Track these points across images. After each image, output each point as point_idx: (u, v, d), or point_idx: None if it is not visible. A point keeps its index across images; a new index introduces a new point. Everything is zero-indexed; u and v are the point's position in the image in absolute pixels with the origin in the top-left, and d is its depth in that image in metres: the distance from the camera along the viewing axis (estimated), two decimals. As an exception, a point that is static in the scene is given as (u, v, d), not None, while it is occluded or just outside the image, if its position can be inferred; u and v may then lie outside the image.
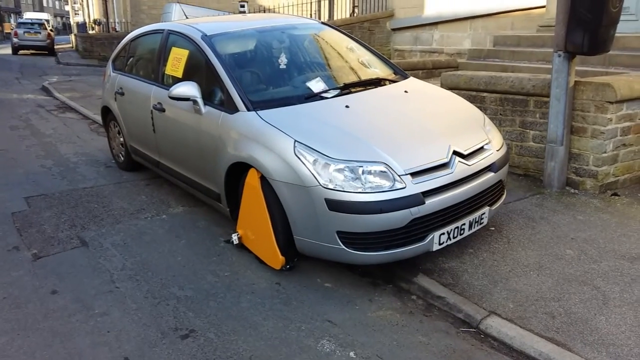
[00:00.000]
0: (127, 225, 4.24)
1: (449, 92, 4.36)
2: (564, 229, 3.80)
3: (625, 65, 6.15)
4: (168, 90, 4.06)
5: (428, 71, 8.18)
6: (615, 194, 4.42)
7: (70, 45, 29.53)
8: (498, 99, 5.01)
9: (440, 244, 3.17)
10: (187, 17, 5.67)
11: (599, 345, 2.57)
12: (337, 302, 3.10)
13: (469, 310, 2.89)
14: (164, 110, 4.38)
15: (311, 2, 18.53)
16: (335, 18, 17.20)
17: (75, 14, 43.37)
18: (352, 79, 4.25)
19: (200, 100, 3.83)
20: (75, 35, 27.99)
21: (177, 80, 4.20)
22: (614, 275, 3.18)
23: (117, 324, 2.91)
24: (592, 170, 4.44)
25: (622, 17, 4.22)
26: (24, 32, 25.88)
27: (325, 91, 3.82)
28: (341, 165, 3.05)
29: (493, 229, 3.80)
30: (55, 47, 26.82)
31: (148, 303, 3.11)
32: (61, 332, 2.85)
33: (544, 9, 8.10)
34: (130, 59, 5.42)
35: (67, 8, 60.97)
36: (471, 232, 3.37)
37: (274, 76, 4.16)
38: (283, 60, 4.20)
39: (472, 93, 5.16)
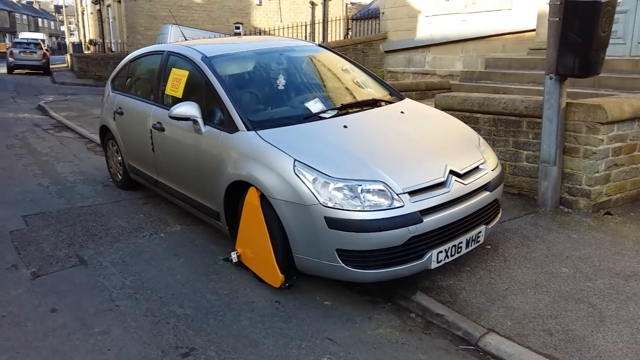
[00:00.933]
0: (125, 244, 4.25)
1: (444, 113, 4.45)
2: (559, 247, 3.86)
3: (615, 87, 6.30)
4: (168, 110, 4.13)
5: (421, 92, 8.31)
6: (608, 213, 4.50)
7: (66, 65, 29.68)
8: (491, 120, 5.11)
9: (438, 262, 3.21)
10: (186, 39, 5.75)
11: (596, 361, 2.60)
12: (337, 320, 3.12)
13: (467, 328, 2.92)
14: (163, 130, 4.44)
15: (305, 25, 18.84)
16: (329, 40, 17.47)
17: (71, 34, 43.67)
18: (350, 99, 4.33)
19: (200, 120, 3.89)
20: (70, 55, 28.17)
21: (177, 101, 4.26)
22: (609, 293, 3.23)
23: (118, 342, 2.92)
24: (585, 189, 4.52)
25: (611, 41, 4.35)
26: (20, 52, 26.00)
27: (324, 111, 3.89)
28: (340, 184, 3.10)
29: (489, 247, 3.85)
30: (51, 66, 26.95)
31: (148, 321, 3.12)
32: (61, 351, 2.84)
33: (535, 32, 8.30)
34: (130, 79, 5.49)
35: (63, 28, 61.39)
36: (468, 250, 3.42)
37: (272, 96, 4.24)
38: (281, 81, 4.28)
39: (466, 114, 5.26)
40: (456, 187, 3.28)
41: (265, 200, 3.36)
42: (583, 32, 4.06)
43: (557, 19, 4.20)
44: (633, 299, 3.14)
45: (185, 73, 4.37)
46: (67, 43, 38.33)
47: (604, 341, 2.76)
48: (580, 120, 4.46)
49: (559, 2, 4.16)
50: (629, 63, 6.66)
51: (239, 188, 3.62)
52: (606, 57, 4.36)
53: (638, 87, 6.09)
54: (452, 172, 3.32)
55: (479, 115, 5.21)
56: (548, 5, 4.36)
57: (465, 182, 3.36)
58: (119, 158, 5.55)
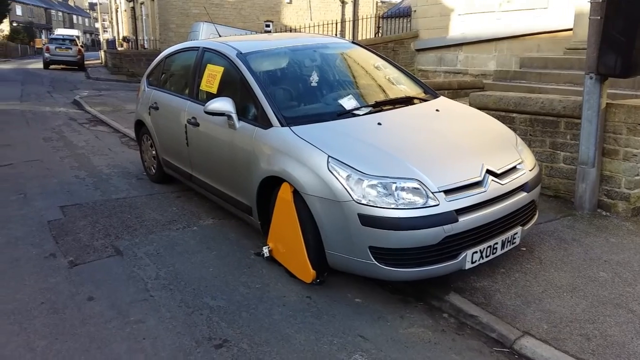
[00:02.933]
0: (159, 236, 4.32)
1: (480, 112, 4.39)
2: (597, 251, 3.76)
3: (656, 89, 6.11)
4: (202, 105, 4.17)
5: (454, 91, 8.20)
6: (648, 218, 4.37)
7: (100, 61, 30.34)
8: (528, 120, 5.01)
9: (472, 263, 3.17)
10: (220, 36, 5.81)
11: (637, 369, 2.53)
12: (368, 317, 3.11)
13: (502, 330, 2.88)
14: (198, 125, 4.49)
15: (335, 23, 18.81)
16: (359, 38, 17.41)
17: (105, 31, 44.62)
18: (383, 97, 4.31)
19: (234, 116, 3.92)
20: (104, 51, 28.79)
21: (211, 96, 4.31)
22: (649, 299, 3.13)
23: (153, 331, 2.97)
24: (624, 192, 4.39)
25: (654, 41, 4.22)
26: (56, 48, 26.70)
27: (357, 108, 3.88)
28: (374, 181, 3.09)
29: (524, 249, 3.78)
30: (85, 62, 27.59)
31: (182, 312, 3.16)
32: (98, 338, 2.91)
33: (571, 32, 8.11)
34: (165, 75, 5.57)
35: (97, 25, 62.79)
36: (503, 251, 3.36)
37: (306, 93, 4.24)
38: (315, 78, 4.28)
39: (502, 113, 5.17)
40: (493, 187, 3.23)
41: (298, 196, 3.37)
42: (626, 31, 3.94)
43: (599, 17, 4.10)
44: (675, 306, 3.05)
45: (220, 69, 4.42)
46: (101, 40, 39.20)
47: (644, 348, 2.68)
48: (621, 122, 4.34)
49: (600, 0, 4.05)
50: (672, 64, 6.44)
51: (271, 183, 3.64)
52: (649, 57, 4.23)
53: (681, 89, 5.89)
54: (488, 172, 3.27)
55: (514, 114, 5.11)
56: (589, 4, 4.25)
57: (502, 182, 3.30)
58: (154, 152, 5.64)
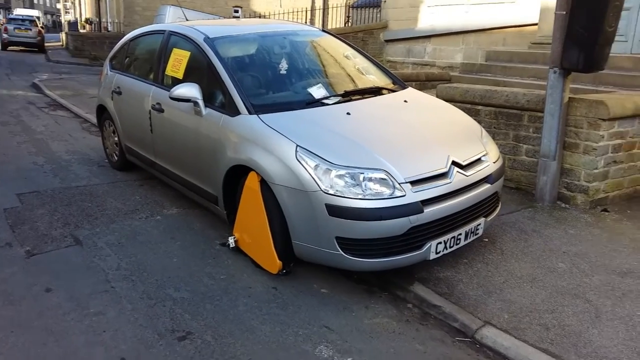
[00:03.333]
0: (121, 225, 4.21)
1: (447, 104, 4.42)
2: (556, 243, 3.86)
3: (616, 85, 6.29)
4: (168, 91, 4.07)
5: (421, 83, 8.26)
6: (605, 210, 4.51)
7: (61, 43, 29.27)
8: (493, 112, 5.09)
9: (437, 253, 3.21)
10: (187, 20, 5.67)
11: (593, 358, 2.61)
12: (334, 308, 3.11)
13: (464, 320, 2.92)
14: (162, 111, 4.38)
15: (306, 10, 18.66)
16: (329, 27, 17.33)
17: (66, 12, 43.06)
18: (353, 86, 4.29)
19: (201, 102, 3.84)
20: (66, 33, 27.75)
21: (177, 82, 4.20)
22: (605, 289, 3.24)
23: (113, 323, 2.89)
24: (584, 185, 4.52)
25: (615, 38, 4.33)
26: (14, 28, 25.58)
27: (327, 97, 3.85)
28: (342, 172, 3.07)
29: (487, 240, 3.85)
30: (46, 44, 26.56)
31: (144, 304, 3.09)
32: (56, 331, 2.82)
33: (536, 26, 8.26)
34: (129, 59, 5.41)
35: (59, 6, 60.49)
36: (467, 242, 3.42)
37: (275, 81, 4.19)
38: (284, 66, 4.23)
39: (467, 106, 5.23)
40: (458, 179, 3.27)
41: (265, 186, 3.33)
42: (589, 27, 4.03)
43: (564, 12, 4.17)
44: (629, 296, 3.16)
45: (187, 54, 4.31)
46: (63, 21, 37.83)
47: (599, 337, 2.77)
48: (582, 116, 4.45)
49: (566, -4, 4.12)
50: (630, 61, 6.64)
51: (238, 172, 3.58)
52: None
53: (638, 85, 6.08)
54: (454, 163, 3.30)
55: (480, 107, 5.18)
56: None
57: (467, 173, 3.34)
58: (116, 139, 5.49)
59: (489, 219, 3.60)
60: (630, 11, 6.95)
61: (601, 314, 2.97)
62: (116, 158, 5.63)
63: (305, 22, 18.06)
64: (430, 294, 3.17)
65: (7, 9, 58.10)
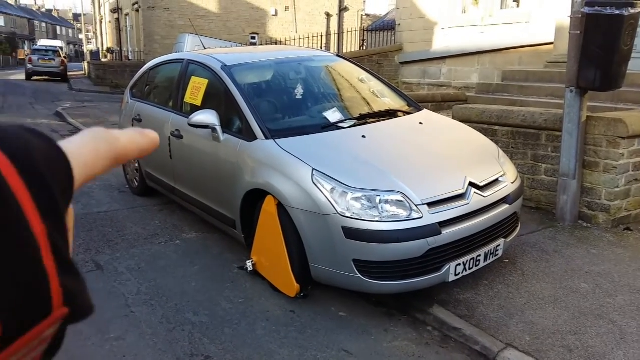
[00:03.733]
0: (141, 250, 4.27)
1: (463, 125, 4.43)
2: (578, 263, 3.80)
3: (634, 102, 6.22)
4: (186, 117, 4.15)
5: (437, 104, 8.27)
6: (628, 229, 4.43)
7: (83, 72, 30.09)
8: (510, 133, 5.07)
9: (456, 275, 3.18)
10: (205, 48, 5.81)
11: (619, 380, 2.54)
12: (353, 331, 3.09)
13: (485, 343, 2.88)
14: (181, 137, 4.47)
15: (321, 35, 18.95)
16: (344, 51, 17.55)
17: (89, 42, 44.40)
18: (368, 109, 4.33)
19: (219, 128, 3.91)
20: (88, 62, 28.56)
21: (196, 109, 4.29)
22: (630, 309, 3.16)
23: (133, 348, 2.92)
24: (605, 204, 4.45)
25: (632, 55, 4.31)
26: (38, 59, 26.41)
27: (342, 121, 3.90)
28: (358, 194, 3.09)
29: (507, 261, 3.80)
30: (68, 74, 27.33)
31: (163, 328, 3.11)
32: (77, 356, 2.85)
33: (552, 45, 8.26)
34: (149, 87, 5.54)
35: (81, 36, 62.43)
36: (486, 263, 3.38)
37: (291, 106, 4.25)
38: (300, 91, 4.30)
39: (484, 126, 5.22)
40: (475, 200, 3.25)
41: (282, 209, 3.36)
42: (605, 46, 4.03)
43: (579, 32, 4.18)
44: (655, 317, 3.08)
45: (205, 81, 4.41)
46: (85, 51, 38.96)
47: (624, 359, 2.70)
48: (601, 134, 4.41)
49: (580, 15, 4.14)
50: (649, 77, 6.58)
51: (256, 196, 3.62)
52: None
53: (658, 102, 6.01)
54: (471, 184, 3.29)
55: (497, 127, 5.17)
56: (568, 19, 4.34)
57: (485, 194, 3.33)
58: (136, 165, 5.59)
59: (508, 239, 3.57)
60: (647, 28, 6.91)
61: (626, 335, 2.90)
62: (136, 184, 5.73)
63: (321, 47, 18.32)
64: (451, 316, 3.13)
65: (32, 40, 60.11)
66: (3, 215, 0.25)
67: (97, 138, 0.35)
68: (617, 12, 3.91)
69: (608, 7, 3.94)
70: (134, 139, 0.37)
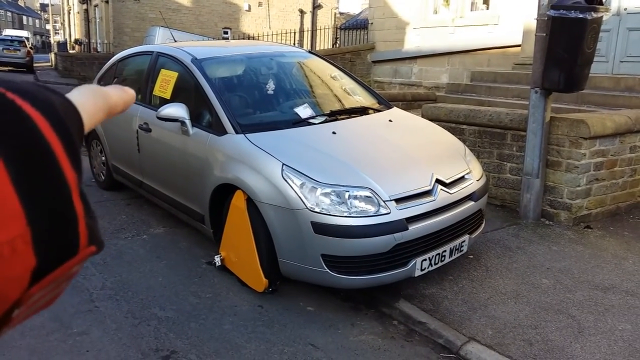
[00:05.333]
0: (107, 244, 4.19)
1: (431, 123, 4.50)
2: (540, 259, 3.91)
3: (597, 104, 6.43)
4: (155, 111, 4.10)
5: (407, 103, 8.36)
6: (588, 227, 4.58)
7: (50, 64, 29.27)
8: (477, 132, 5.18)
9: (422, 270, 3.23)
10: (175, 41, 5.73)
11: (576, 371, 2.63)
12: (320, 325, 3.11)
13: (449, 336, 2.94)
14: (150, 131, 4.40)
15: (294, 32, 18.91)
16: (317, 48, 17.56)
17: (56, 33, 43.21)
18: (339, 106, 4.36)
19: (188, 122, 3.87)
20: (55, 54, 27.80)
21: (165, 102, 4.24)
22: (588, 304, 3.28)
23: (97, 343, 2.87)
24: (567, 203, 4.59)
25: (594, 59, 4.45)
26: (3, 49, 25.53)
27: (313, 117, 3.91)
28: (328, 190, 3.11)
29: (472, 257, 3.89)
30: (35, 65, 26.56)
31: (128, 323, 3.07)
32: (39, 351, 2.79)
33: (520, 48, 8.44)
34: (117, 79, 5.43)
35: (48, 27, 60.68)
36: (451, 259, 3.45)
37: (262, 101, 4.24)
38: (271, 86, 4.29)
39: (452, 125, 5.31)
40: (442, 196, 3.31)
41: (251, 204, 3.35)
42: (569, 48, 4.14)
43: (544, 34, 4.29)
44: (611, 311, 3.20)
45: (175, 74, 4.36)
46: (52, 42, 37.94)
47: (582, 352, 2.80)
48: (564, 135, 4.54)
49: (546, 18, 4.25)
50: (611, 81, 6.81)
51: (225, 191, 3.60)
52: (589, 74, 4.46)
53: (619, 105, 6.22)
54: (438, 181, 3.35)
55: (464, 126, 5.27)
56: (535, 21, 4.45)
57: (451, 191, 3.39)
58: (103, 158, 5.49)
59: (473, 235, 3.64)
60: (610, 33, 7.15)
61: (584, 329, 3.00)
62: (103, 178, 5.62)
63: (294, 44, 18.30)
64: (416, 310, 3.19)
65: (-4, 30, 58.10)
66: (46, 165, 0.29)
67: (95, 93, 0.40)
68: (581, 15, 4.03)
69: (572, 11, 4.06)
70: (120, 95, 0.42)
